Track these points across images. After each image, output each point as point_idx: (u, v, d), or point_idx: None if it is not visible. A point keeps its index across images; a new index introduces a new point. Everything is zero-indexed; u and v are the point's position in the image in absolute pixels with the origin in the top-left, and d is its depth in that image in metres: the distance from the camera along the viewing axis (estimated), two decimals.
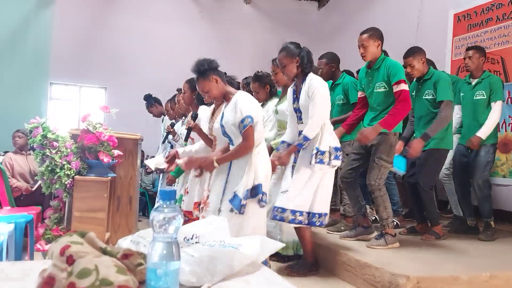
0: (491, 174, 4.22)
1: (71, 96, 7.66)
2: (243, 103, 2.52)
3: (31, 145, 2.90)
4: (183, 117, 4.17)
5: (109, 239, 2.98)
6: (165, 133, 4.97)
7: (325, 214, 2.93)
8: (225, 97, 2.68)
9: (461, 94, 3.92)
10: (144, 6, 7.77)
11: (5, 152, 5.00)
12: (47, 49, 7.22)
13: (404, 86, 3.13)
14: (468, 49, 3.93)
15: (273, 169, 2.90)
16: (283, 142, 3.10)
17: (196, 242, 1.09)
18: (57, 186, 2.75)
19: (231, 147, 2.69)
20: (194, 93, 3.54)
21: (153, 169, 4.28)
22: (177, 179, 4.05)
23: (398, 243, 3.28)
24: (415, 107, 3.69)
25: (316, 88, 2.85)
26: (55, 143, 2.76)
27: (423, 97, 3.59)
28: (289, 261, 3.29)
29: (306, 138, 2.84)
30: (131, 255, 0.86)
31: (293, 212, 2.84)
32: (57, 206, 2.94)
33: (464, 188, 3.89)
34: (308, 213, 2.87)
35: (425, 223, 3.79)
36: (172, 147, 4.48)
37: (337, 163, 2.90)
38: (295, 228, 3.01)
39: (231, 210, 2.50)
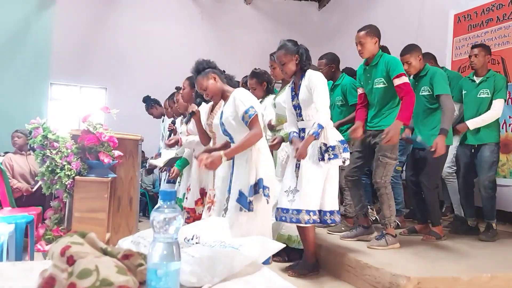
0: None
1: (71, 97, 7.66)
2: (242, 96, 2.55)
3: (31, 146, 2.90)
4: (182, 116, 4.18)
5: (110, 239, 2.98)
6: (168, 132, 4.97)
7: (338, 212, 2.93)
8: (223, 96, 2.71)
9: (464, 92, 3.91)
10: (144, 7, 7.77)
11: (6, 153, 5.00)
12: (48, 49, 7.22)
13: (405, 79, 3.15)
14: (473, 47, 3.92)
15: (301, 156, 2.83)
16: (294, 132, 3.05)
17: (196, 243, 1.09)
18: (57, 186, 2.75)
19: (232, 145, 2.69)
20: (193, 90, 3.54)
21: (161, 165, 4.25)
22: (177, 180, 4.05)
23: (399, 244, 3.27)
24: None
25: (317, 80, 2.88)
26: (55, 144, 2.77)
27: (420, 94, 3.59)
28: (289, 261, 3.29)
29: (320, 126, 2.78)
30: (131, 255, 0.86)
31: (308, 212, 2.83)
32: (58, 206, 2.94)
33: (468, 189, 3.89)
34: (320, 211, 2.87)
35: (425, 224, 3.79)
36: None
37: (347, 155, 2.91)
38: (299, 228, 3.00)
39: (240, 209, 2.49)
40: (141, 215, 5.77)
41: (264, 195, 2.52)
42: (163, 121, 5.59)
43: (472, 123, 3.69)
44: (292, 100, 3.02)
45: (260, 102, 3.56)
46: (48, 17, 7.28)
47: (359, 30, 3.30)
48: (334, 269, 3.13)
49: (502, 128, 3.86)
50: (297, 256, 3.27)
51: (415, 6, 6.08)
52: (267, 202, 2.54)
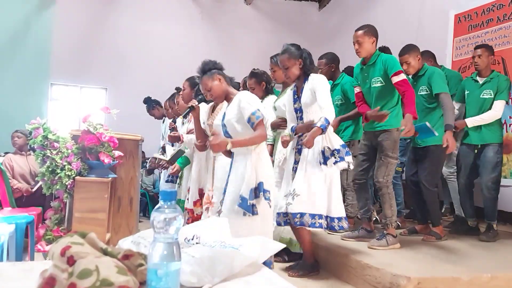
0: None
1: (71, 97, 7.66)
2: (249, 99, 2.55)
3: (32, 146, 2.90)
4: (182, 117, 4.17)
5: (110, 239, 2.98)
6: (169, 131, 4.97)
7: (345, 218, 2.93)
8: (227, 98, 2.71)
9: (467, 92, 3.90)
10: (144, 7, 7.77)
11: (6, 153, 5.00)
12: (48, 49, 7.22)
13: (403, 76, 3.17)
14: (476, 47, 3.91)
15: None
16: (293, 129, 3.06)
17: (196, 243, 1.09)
18: (57, 187, 2.75)
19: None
20: (193, 91, 3.54)
21: (168, 159, 4.23)
22: (177, 182, 4.04)
23: (399, 244, 3.28)
24: None
25: (320, 81, 2.89)
26: (55, 144, 2.76)
27: (418, 93, 3.60)
28: (289, 262, 3.29)
29: (327, 121, 2.76)
30: (131, 255, 0.86)
31: (312, 215, 2.83)
32: (58, 207, 2.94)
33: (469, 189, 3.88)
34: (327, 217, 2.87)
35: (426, 224, 3.79)
36: (172, 145, 4.47)
37: (350, 158, 2.90)
38: (293, 230, 3.00)
39: (244, 214, 2.48)
40: (141, 215, 5.77)
41: (265, 198, 2.51)
42: (163, 122, 5.59)
43: (471, 121, 3.70)
44: (294, 103, 3.02)
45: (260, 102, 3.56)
46: (48, 17, 7.28)
47: (357, 30, 3.32)
48: (334, 269, 3.12)
49: (503, 128, 3.86)
50: (297, 257, 3.27)
51: (415, 6, 6.08)
52: (269, 206, 2.54)
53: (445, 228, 3.89)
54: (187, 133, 3.64)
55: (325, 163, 2.83)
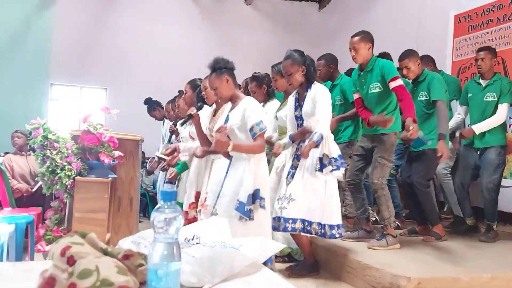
0: None
1: (71, 97, 7.66)
2: (255, 108, 2.55)
3: (32, 146, 2.90)
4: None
5: (110, 240, 2.98)
6: (169, 133, 4.97)
7: (339, 226, 2.90)
8: (232, 100, 2.70)
9: (470, 95, 3.89)
10: (144, 7, 7.77)
11: (6, 153, 5.00)
12: (48, 49, 7.22)
13: (400, 81, 3.18)
14: (479, 50, 3.89)
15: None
16: (291, 136, 3.07)
17: (196, 243, 1.09)
18: (57, 187, 2.75)
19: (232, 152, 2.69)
20: (195, 94, 3.54)
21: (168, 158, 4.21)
22: (176, 184, 4.04)
23: (399, 244, 3.28)
24: None
25: (322, 94, 2.88)
26: (55, 144, 2.77)
27: (418, 99, 3.60)
28: (289, 262, 3.29)
29: (322, 137, 2.79)
30: (131, 255, 0.86)
31: (303, 221, 2.82)
32: (58, 207, 2.95)
33: (465, 189, 3.88)
34: (319, 223, 2.85)
35: (425, 225, 3.79)
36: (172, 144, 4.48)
37: (343, 171, 2.92)
38: (292, 234, 3.00)
39: (240, 218, 2.49)
40: (141, 216, 5.77)
41: (261, 206, 2.53)
42: (163, 124, 5.59)
43: (478, 128, 3.66)
44: (295, 111, 3.02)
45: (262, 106, 3.55)
46: (48, 17, 7.28)
47: (353, 36, 3.32)
48: (334, 269, 3.13)
49: (509, 126, 3.85)
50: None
51: (415, 7, 6.08)
52: (265, 213, 2.55)
53: (445, 228, 3.89)
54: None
55: (321, 170, 2.80)
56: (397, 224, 3.92)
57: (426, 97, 3.55)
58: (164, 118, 5.58)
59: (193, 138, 3.50)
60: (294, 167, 2.96)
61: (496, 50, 4.06)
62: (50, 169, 2.74)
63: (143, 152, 5.43)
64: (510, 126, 4.52)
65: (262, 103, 3.59)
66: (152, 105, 5.81)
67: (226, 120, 2.67)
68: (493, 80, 3.76)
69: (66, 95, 7.66)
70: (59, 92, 7.62)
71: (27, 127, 2.82)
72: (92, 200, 2.75)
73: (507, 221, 4.38)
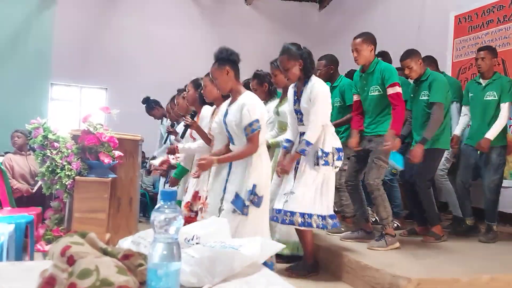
0: None
1: (72, 97, 7.66)
2: (251, 106, 2.50)
3: (32, 146, 2.90)
4: (183, 118, 4.17)
5: (110, 240, 2.97)
6: (166, 134, 4.97)
7: (332, 216, 2.94)
8: (232, 93, 2.67)
9: (470, 95, 3.90)
10: (145, 7, 7.77)
11: (6, 153, 5.00)
12: (48, 49, 7.22)
13: (398, 89, 3.19)
14: (480, 49, 3.90)
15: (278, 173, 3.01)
16: (288, 140, 3.09)
17: (196, 243, 1.09)
18: (57, 186, 2.75)
19: (232, 146, 2.69)
20: (197, 92, 3.54)
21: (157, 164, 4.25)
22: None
23: (398, 243, 3.28)
24: (412, 108, 3.72)
25: (318, 91, 2.86)
26: (55, 144, 2.76)
27: (420, 98, 3.60)
28: (289, 262, 3.29)
29: (308, 143, 2.85)
30: (131, 255, 0.86)
31: (302, 215, 2.83)
32: (58, 206, 2.95)
33: (466, 189, 3.88)
34: (319, 215, 2.87)
35: (425, 225, 3.79)
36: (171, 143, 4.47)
37: (339, 163, 2.92)
38: (296, 229, 3.01)
39: (234, 211, 2.49)
40: (141, 216, 5.77)
41: (252, 202, 2.51)
42: (162, 123, 5.58)
43: (492, 134, 3.64)
44: (294, 104, 3.02)
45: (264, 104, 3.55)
46: (48, 17, 7.28)
47: (355, 37, 3.32)
48: (334, 270, 3.12)
49: (509, 127, 3.86)
50: (297, 257, 3.27)
51: (416, 7, 6.08)
52: (257, 207, 2.54)
53: (445, 229, 3.89)
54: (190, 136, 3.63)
55: (318, 164, 2.84)
56: (397, 225, 3.92)
57: (428, 97, 3.55)
58: (163, 117, 5.57)
59: (194, 139, 3.50)
60: (297, 162, 2.97)
61: (497, 51, 4.07)
62: (50, 169, 2.74)
63: (143, 152, 5.42)
64: (510, 126, 4.52)
65: (263, 102, 3.58)
66: (150, 104, 5.80)
67: (225, 115, 2.66)
68: (493, 79, 3.76)
69: (66, 95, 7.66)
70: (59, 92, 7.62)
71: (27, 127, 2.82)
72: (92, 200, 2.75)
73: (507, 221, 4.38)
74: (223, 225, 1.22)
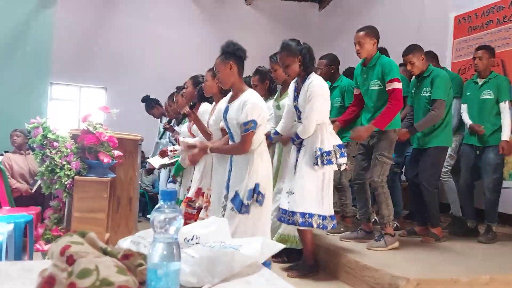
0: None
1: (71, 97, 7.65)
2: (251, 105, 2.48)
3: (31, 145, 2.89)
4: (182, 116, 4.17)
5: (109, 239, 2.97)
6: (162, 130, 4.97)
7: (332, 217, 2.94)
8: (233, 89, 2.65)
9: (467, 94, 3.91)
10: (144, 7, 7.76)
11: (6, 152, 4.99)
12: (48, 49, 7.21)
13: (397, 85, 3.17)
14: (477, 48, 3.92)
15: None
16: (276, 133, 3.17)
17: (196, 243, 1.09)
18: (57, 186, 2.74)
19: (230, 143, 2.70)
20: (195, 89, 3.55)
21: (157, 167, 4.29)
22: (178, 181, 4.05)
23: (398, 243, 3.28)
24: (414, 104, 3.72)
25: (315, 89, 2.85)
26: (55, 143, 2.76)
27: (422, 94, 3.61)
28: (288, 262, 3.29)
29: (297, 136, 2.91)
30: (131, 255, 0.86)
31: (303, 214, 2.83)
32: (57, 206, 2.94)
33: (468, 190, 3.88)
34: (320, 215, 2.87)
35: (425, 226, 3.79)
36: (173, 145, 4.48)
37: (343, 160, 2.91)
38: (298, 229, 3.01)
39: (232, 209, 2.50)
40: (140, 215, 5.77)
41: (257, 200, 2.51)
42: (161, 121, 5.59)
43: (507, 135, 3.65)
44: (294, 101, 3.02)
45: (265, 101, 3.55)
46: (49, 17, 7.27)
47: (359, 30, 3.32)
48: (333, 270, 3.12)
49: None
50: (297, 257, 3.27)
51: (416, 8, 6.08)
52: (261, 205, 2.53)
53: (444, 229, 3.89)
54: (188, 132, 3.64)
55: (317, 163, 2.83)
56: (396, 225, 3.92)
57: (430, 93, 3.55)
58: (162, 116, 5.57)
59: (193, 135, 3.50)
60: (297, 159, 2.97)
61: (496, 52, 4.07)
62: (49, 168, 2.73)
63: (142, 152, 5.42)
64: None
65: (263, 98, 3.59)
66: (150, 103, 5.80)
67: (226, 111, 2.66)
68: (489, 78, 3.78)
69: (66, 95, 7.66)
70: (59, 91, 7.61)
71: (27, 126, 2.81)
72: (91, 200, 2.74)
73: (506, 222, 4.38)
74: (223, 225, 1.22)
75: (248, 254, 1.01)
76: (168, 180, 4.37)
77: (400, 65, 3.57)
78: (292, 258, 3.32)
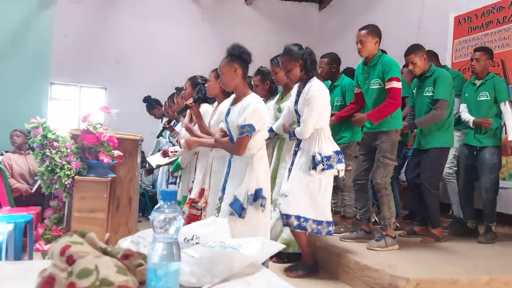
0: None
1: (71, 96, 7.65)
2: (251, 110, 2.47)
3: (31, 145, 2.89)
4: (183, 117, 4.17)
5: (109, 239, 2.97)
6: (161, 129, 4.97)
7: (330, 223, 2.92)
8: (236, 92, 2.65)
9: (466, 95, 3.92)
10: (145, 7, 7.76)
11: (6, 152, 4.99)
12: (48, 49, 7.21)
13: (396, 84, 3.16)
14: (475, 50, 3.92)
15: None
16: (271, 130, 3.15)
17: (196, 243, 1.09)
18: (57, 186, 2.74)
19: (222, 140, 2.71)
20: (194, 91, 3.55)
21: (154, 167, 4.30)
22: (177, 181, 4.05)
23: (398, 245, 3.28)
24: (416, 104, 3.72)
25: (314, 94, 2.84)
26: (55, 143, 2.76)
27: (424, 94, 3.60)
28: (288, 262, 3.29)
29: (293, 134, 2.95)
30: (131, 255, 0.86)
31: (298, 217, 2.84)
32: (57, 206, 2.94)
33: (468, 191, 3.89)
34: (315, 220, 2.86)
35: (425, 226, 3.79)
36: (173, 145, 4.48)
37: (342, 166, 2.91)
38: (292, 231, 3.01)
39: (231, 214, 2.49)
40: (140, 215, 5.77)
41: (261, 205, 2.51)
42: (161, 122, 5.59)
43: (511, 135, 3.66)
44: (295, 104, 3.02)
45: (265, 102, 3.55)
46: (49, 16, 7.27)
47: (361, 29, 3.32)
48: (333, 270, 3.12)
49: (502, 130, 3.86)
50: (296, 257, 3.27)
51: (416, 8, 6.08)
52: (262, 211, 2.54)
53: (444, 230, 3.89)
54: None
55: (314, 168, 2.83)
56: (396, 225, 3.92)
57: (433, 92, 3.55)
58: (163, 116, 5.58)
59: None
60: (293, 163, 2.98)
61: (496, 52, 4.08)
62: (49, 168, 2.73)
63: (142, 152, 5.42)
64: (504, 127, 4.53)
65: (263, 99, 3.59)
66: (151, 103, 5.81)
67: (227, 114, 2.66)
68: (485, 80, 3.78)
69: (66, 95, 7.65)
70: (59, 91, 7.61)
71: (27, 126, 2.81)
72: (91, 200, 2.74)
73: (506, 222, 4.38)
74: (223, 225, 1.22)
75: (248, 254, 1.01)
76: (169, 182, 4.37)
77: (403, 66, 3.56)
78: (292, 259, 3.32)
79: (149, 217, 0.81)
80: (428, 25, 5.82)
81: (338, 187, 3.83)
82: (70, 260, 0.79)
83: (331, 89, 3.99)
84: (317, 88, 2.86)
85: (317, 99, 2.84)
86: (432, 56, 4.15)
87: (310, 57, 2.91)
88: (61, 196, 2.86)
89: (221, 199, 2.66)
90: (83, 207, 2.73)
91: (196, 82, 3.59)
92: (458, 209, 4.08)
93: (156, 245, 0.78)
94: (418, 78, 3.68)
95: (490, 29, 4.91)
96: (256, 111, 2.49)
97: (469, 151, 3.86)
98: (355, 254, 3.08)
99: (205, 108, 3.40)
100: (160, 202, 0.81)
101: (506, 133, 3.79)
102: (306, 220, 2.84)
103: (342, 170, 2.92)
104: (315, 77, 2.92)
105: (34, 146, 2.79)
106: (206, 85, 3.30)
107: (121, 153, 2.94)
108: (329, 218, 2.92)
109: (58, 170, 2.72)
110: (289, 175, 2.97)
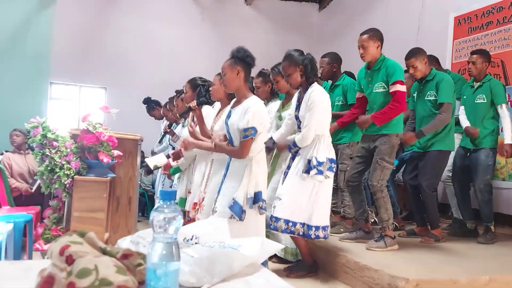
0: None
1: (71, 96, 7.65)
2: (253, 112, 2.47)
3: (30, 145, 2.89)
4: (183, 120, 4.17)
5: (108, 239, 2.97)
6: (163, 133, 4.97)
7: (324, 227, 2.90)
8: (237, 95, 2.65)
9: (464, 97, 3.92)
10: (145, 7, 7.76)
11: (5, 151, 4.99)
12: (48, 49, 7.21)
13: (400, 87, 3.15)
14: (472, 53, 3.92)
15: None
16: (271, 139, 3.15)
17: (195, 243, 1.09)
18: (56, 186, 2.74)
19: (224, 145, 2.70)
20: (194, 93, 3.54)
21: (152, 168, 4.30)
22: (175, 182, 4.04)
23: (397, 246, 3.28)
24: (417, 108, 3.71)
25: (315, 99, 2.85)
26: (55, 143, 2.76)
27: (425, 98, 3.59)
28: (288, 262, 3.29)
29: (295, 144, 2.92)
30: (130, 255, 0.86)
31: (286, 222, 2.83)
32: (56, 206, 2.94)
33: (464, 191, 3.89)
34: (303, 224, 2.86)
35: (425, 226, 3.79)
36: (173, 148, 4.48)
37: (331, 174, 2.91)
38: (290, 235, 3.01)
39: (231, 217, 2.48)
40: (139, 215, 5.77)
41: (261, 208, 2.52)
42: (163, 122, 5.59)
43: (510, 138, 3.67)
44: (296, 110, 3.02)
45: (266, 104, 3.55)
46: (48, 16, 7.27)
47: (362, 34, 3.30)
48: (332, 270, 3.12)
49: (501, 130, 3.86)
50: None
51: (416, 8, 6.08)
52: (259, 214, 2.54)
53: (443, 230, 3.90)
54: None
55: (307, 172, 2.83)
56: (395, 225, 3.92)
57: (435, 97, 3.54)
58: (164, 117, 5.58)
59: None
60: (289, 167, 2.98)
61: (496, 52, 4.08)
62: (49, 168, 2.73)
63: (142, 152, 5.42)
64: (501, 129, 4.53)
65: (265, 101, 3.59)
66: (151, 105, 5.81)
67: (228, 116, 2.66)
68: (482, 82, 3.78)
69: (66, 94, 7.65)
70: (59, 91, 7.61)
71: (26, 126, 2.81)
72: (91, 199, 2.74)
73: (506, 223, 4.38)
74: (223, 225, 1.22)
75: (247, 254, 1.01)
76: (170, 186, 4.37)
77: (405, 71, 3.56)
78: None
79: (150, 216, 0.81)
80: (428, 26, 5.82)
81: (338, 187, 3.83)
82: (70, 260, 0.79)
83: (332, 88, 3.99)
84: (318, 94, 2.88)
85: (319, 105, 2.85)
86: (433, 60, 4.15)
87: (310, 63, 2.91)
88: (61, 195, 2.86)
89: (216, 200, 2.66)
90: (82, 206, 2.73)
91: (196, 84, 3.59)
92: (457, 212, 4.08)
93: (155, 245, 0.78)
94: (419, 82, 3.67)
95: (490, 30, 4.92)
96: (257, 113, 2.49)
97: (463, 152, 3.87)
98: (354, 254, 3.08)
99: (206, 110, 3.39)
100: (160, 202, 0.81)
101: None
102: (294, 224, 2.83)
103: (329, 178, 2.90)
104: (315, 83, 2.93)
105: (34, 146, 2.79)
106: (210, 89, 3.28)
107: (120, 153, 2.94)
108: (321, 223, 2.88)
109: (57, 170, 2.72)
110: (284, 178, 2.97)
